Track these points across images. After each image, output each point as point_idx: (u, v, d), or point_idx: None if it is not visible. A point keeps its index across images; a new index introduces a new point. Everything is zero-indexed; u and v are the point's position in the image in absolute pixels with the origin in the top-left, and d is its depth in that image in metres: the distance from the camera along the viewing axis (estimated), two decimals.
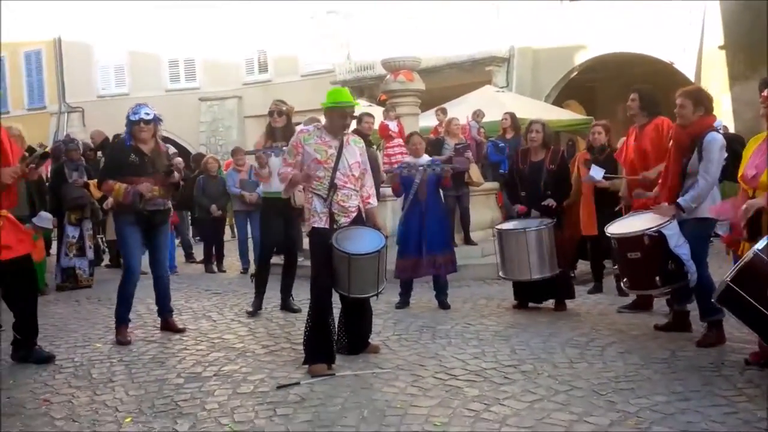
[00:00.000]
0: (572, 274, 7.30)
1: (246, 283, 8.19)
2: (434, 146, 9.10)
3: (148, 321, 6.43)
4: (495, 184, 10.52)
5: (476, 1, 18.96)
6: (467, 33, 19.13)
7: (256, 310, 6.67)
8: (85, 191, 8.75)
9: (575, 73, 19.07)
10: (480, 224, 9.38)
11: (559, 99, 19.29)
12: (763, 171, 4.27)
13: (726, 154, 5.03)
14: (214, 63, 24.73)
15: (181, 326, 6.08)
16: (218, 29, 23.78)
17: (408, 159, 7.15)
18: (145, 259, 6.06)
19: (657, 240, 4.94)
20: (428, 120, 12.79)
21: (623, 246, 5.22)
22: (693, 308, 5.31)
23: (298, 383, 4.38)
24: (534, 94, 18.32)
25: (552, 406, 3.84)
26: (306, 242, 6.73)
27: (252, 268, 8.26)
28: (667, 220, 5.00)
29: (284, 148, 6.33)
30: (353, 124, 7.32)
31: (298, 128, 6.11)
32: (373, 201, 5.14)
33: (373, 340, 5.24)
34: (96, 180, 7.10)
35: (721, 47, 15.43)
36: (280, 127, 6.63)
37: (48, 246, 9.63)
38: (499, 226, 6.75)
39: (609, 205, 6.50)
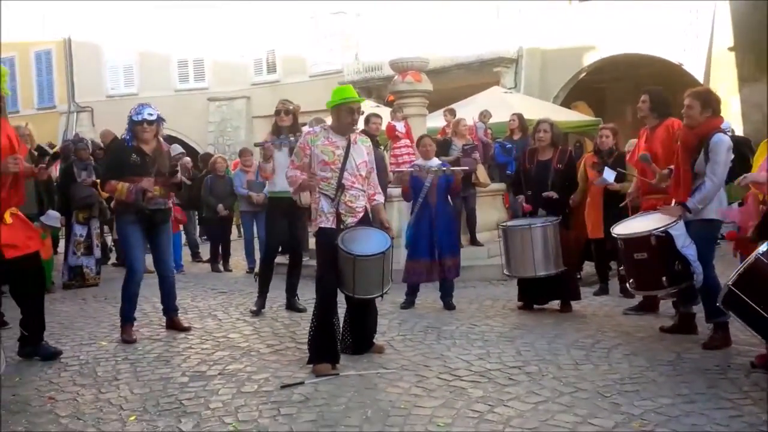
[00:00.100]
0: (578, 276, 7.28)
1: (252, 282, 8.19)
2: (442, 147, 9.10)
3: (154, 319, 6.45)
4: (501, 185, 10.51)
5: (484, 2, 18.94)
6: (475, 34, 19.12)
7: (259, 309, 6.69)
8: (94, 190, 8.78)
9: (584, 75, 19.02)
10: (486, 225, 9.36)
11: (568, 100, 19.24)
12: None
13: (733, 156, 5.00)
14: (222, 63, 24.80)
15: (186, 325, 6.10)
16: (227, 30, 23.85)
17: (419, 161, 7.15)
18: (151, 258, 6.08)
19: (664, 240, 4.92)
20: (436, 121, 12.77)
21: (630, 247, 5.19)
22: (699, 310, 5.30)
23: (302, 383, 4.38)
24: (542, 95, 18.27)
25: (556, 407, 3.83)
26: (311, 242, 6.73)
27: (257, 268, 8.27)
28: (674, 221, 4.98)
29: (291, 139, 6.36)
30: (361, 125, 7.35)
31: (303, 129, 6.13)
32: (379, 198, 5.14)
33: (378, 340, 5.23)
34: None
35: (730, 49, 15.34)
36: (286, 126, 6.65)
37: (56, 244, 9.69)
38: (503, 224, 6.74)
39: (614, 206, 6.48)
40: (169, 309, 6.09)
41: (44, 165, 5.03)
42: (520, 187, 6.70)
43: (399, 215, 8.45)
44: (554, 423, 3.61)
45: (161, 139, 5.93)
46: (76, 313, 7.09)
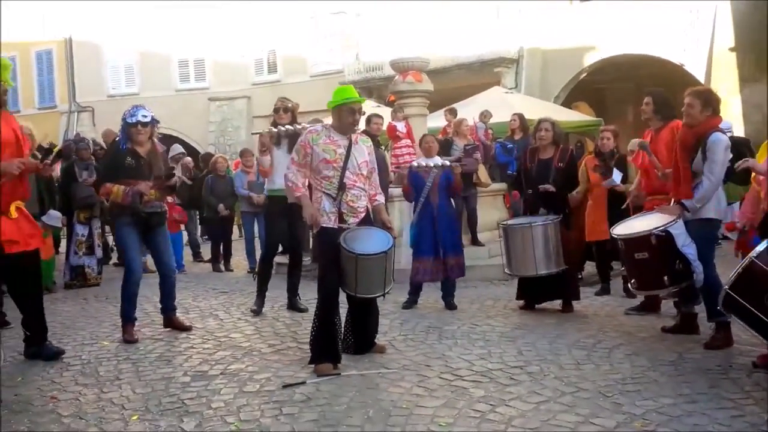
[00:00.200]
0: (580, 276, 7.28)
1: (253, 282, 8.19)
2: (443, 147, 9.09)
3: (156, 319, 6.44)
4: (502, 185, 10.51)
5: (484, 2, 18.94)
6: (476, 34, 19.12)
7: (259, 308, 6.70)
8: (95, 190, 8.78)
9: (584, 75, 19.01)
10: (487, 225, 9.36)
11: (568, 100, 19.22)
12: None
13: (731, 155, 5.00)
14: (223, 63, 24.81)
15: (187, 324, 6.11)
16: (228, 29, 23.86)
17: (420, 159, 7.15)
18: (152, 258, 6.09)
19: (664, 239, 4.93)
20: (437, 121, 12.77)
21: (630, 247, 5.19)
22: (700, 310, 5.30)
23: (303, 382, 4.39)
24: (543, 96, 18.26)
25: (558, 407, 3.83)
26: (311, 242, 6.74)
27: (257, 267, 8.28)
28: (673, 220, 4.98)
29: (288, 127, 6.35)
30: (362, 125, 7.35)
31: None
32: (381, 198, 5.14)
33: (380, 340, 5.24)
34: None
35: (731, 49, 15.33)
36: (284, 124, 6.65)
37: (57, 244, 9.69)
38: (504, 222, 6.74)
39: (616, 206, 6.48)
40: (167, 308, 6.08)
41: (49, 162, 5.02)
42: (521, 187, 6.71)
43: (400, 215, 8.46)
44: (556, 423, 3.61)
45: (156, 140, 5.93)
46: (77, 312, 7.10)
